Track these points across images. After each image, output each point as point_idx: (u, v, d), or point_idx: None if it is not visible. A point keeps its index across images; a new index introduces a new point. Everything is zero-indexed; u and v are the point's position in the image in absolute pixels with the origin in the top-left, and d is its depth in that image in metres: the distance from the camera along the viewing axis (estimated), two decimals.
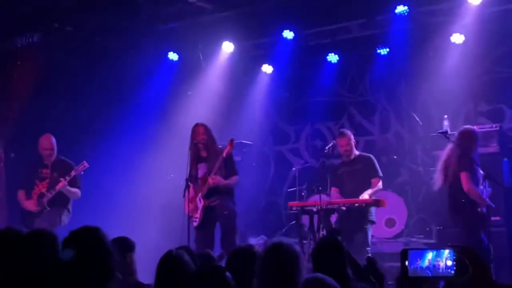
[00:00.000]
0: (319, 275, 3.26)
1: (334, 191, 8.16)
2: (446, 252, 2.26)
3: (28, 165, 8.38)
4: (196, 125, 7.88)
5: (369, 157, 8.12)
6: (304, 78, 11.59)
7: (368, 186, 7.85)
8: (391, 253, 8.66)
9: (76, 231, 3.21)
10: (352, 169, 7.99)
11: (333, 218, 8.04)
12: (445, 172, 7.25)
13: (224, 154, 7.55)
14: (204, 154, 7.82)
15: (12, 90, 9.16)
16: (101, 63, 9.92)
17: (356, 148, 8.30)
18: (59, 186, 7.90)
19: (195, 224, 7.67)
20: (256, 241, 10.12)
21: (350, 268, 4.19)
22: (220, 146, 7.89)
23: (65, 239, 3.20)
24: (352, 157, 8.05)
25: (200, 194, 7.70)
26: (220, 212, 7.66)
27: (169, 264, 3.97)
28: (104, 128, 9.89)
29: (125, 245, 4.89)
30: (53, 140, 8.20)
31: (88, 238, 3.14)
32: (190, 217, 7.61)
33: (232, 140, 7.69)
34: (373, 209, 7.76)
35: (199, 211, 7.67)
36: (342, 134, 8.12)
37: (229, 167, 7.76)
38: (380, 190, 8.04)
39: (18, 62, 9.32)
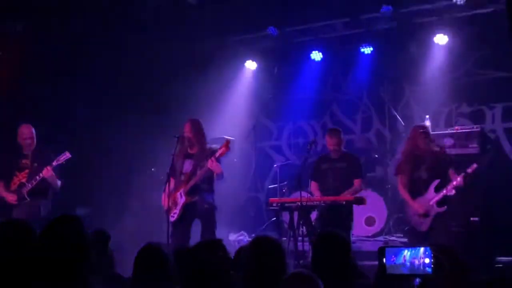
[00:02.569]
0: (302, 270, 3.27)
1: (314, 185, 8.15)
2: (422, 250, 2.28)
3: (7, 155, 8.29)
4: (186, 121, 7.87)
5: (356, 157, 8.14)
6: (287, 75, 11.59)
7: (350, 185, 7.87)
8: (370, 251, 8.69)
9: (56, 219, 3.20)
10: (336, 167, 8.00)
11: (313, 215, 8.05)
12: None
13: (217, 155, 7.49)
14: (192, 150, 7.78)
15: None
16: (84, 54, 9.85)
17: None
18: (44, 173, 7.82)
19: (172, 219, 7.61)
20: (237, 237, 10.12)
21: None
22: (214, 145, 7.84)
23: (45, 226, 3.19)
24: (338, 154, 8.05)
25: (182, 190, 7.65)
26: (200, 207, 7.62)
27: (147, 256, 3.97)
28: (85, 120, 9.83)
29: (105, 237, 4.90)
30: (33, 129, 8.11)
31: (67, 226, 3.13)
32: (168, 211, 7.56)
33: (228, 142, 7.62)
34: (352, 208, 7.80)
35: (178, 207, 7.61)
36: (333, 133, 8.12)
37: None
38: (360, 190, 8.07)
39: (1, 51, 9.21)
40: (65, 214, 3.28)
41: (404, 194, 7.57)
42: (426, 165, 7.37)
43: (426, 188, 7.33)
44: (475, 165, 7.15)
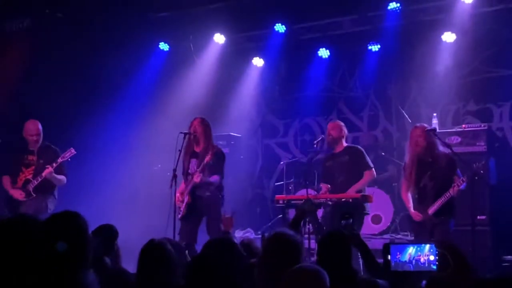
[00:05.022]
0: (308, 264, 3.26)
1: (323, 186, 8.01)
2: (427, 247, 2.27)
3: (14, 151, 8.29)
4: (194, 118, 7.85)
5: (358, 148, 8.00)
6: (294, 72, 11.58)
7: (359, 177, 7.78)
8: (377, 249, 8.65)
9: (56, 214, 3.20)
10: (340, 161, 7.87)
11: (320, 212, 8.01)
12: None
13: (205, 161, 7.49)
14: (197, 148, 7.76)
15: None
16: (91, 50, 9.87)
17: (346, 142, 8.25)
18: (45, 173, 7.82)
19: (179, 216, 7.62)
20: (243, 234, 10.12)
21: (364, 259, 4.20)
22: (216, 144, 7.81)
23: (45, 222, 3.18)
24: (340, 149, 7.97)
25: (186, 190, 7.64)
26: (205, 201, 7.60)
27: (151, 252, 3.97)
28: (92, 116, 9.85)
29: (113, 232, 4.92)
30: (39, 125, 8.11)
31: (67, 223, 3.13)
32: (175, 208, 7.56)
33: (213, 150, 7.57)
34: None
35: (183, 206, 7.62)
36: (334, 120, 8.11)
37: (216, 167, 7.70)
38: (370, 180, 7.99)
39: (7, 47, 9.23)
40: (65, 210, 3.28)
41: (404, 199, 7.42)
42: (430, 172, 7.14)
43: (431, 197, 7.11)
44: (464, 179, 7.02)
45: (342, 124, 8.10)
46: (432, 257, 2.32)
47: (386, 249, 2.29)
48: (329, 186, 7.86)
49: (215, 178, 7.64)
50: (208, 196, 7.60)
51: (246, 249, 4.52)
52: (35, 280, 3.00)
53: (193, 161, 7.73)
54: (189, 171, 7.73)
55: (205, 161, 7.46)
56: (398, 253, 2.35)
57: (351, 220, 4.59)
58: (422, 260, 2.32)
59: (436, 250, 2.32)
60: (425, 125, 7.54)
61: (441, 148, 7.31)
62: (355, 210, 7.38)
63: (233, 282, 3.68)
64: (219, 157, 7.69)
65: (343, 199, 7.57)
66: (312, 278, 2.94)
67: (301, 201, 7.67)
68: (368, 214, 7.84)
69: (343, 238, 4.13)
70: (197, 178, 7.48)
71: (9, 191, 8.01)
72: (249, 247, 4.60)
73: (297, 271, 3.04)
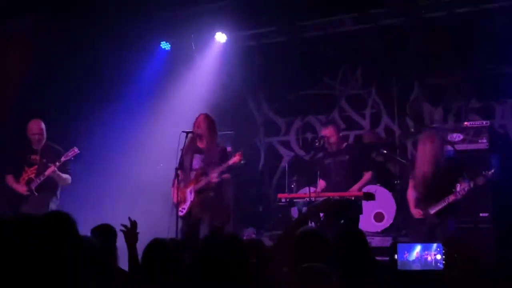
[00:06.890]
0: (314, 264, 3.25)
1: (321, 183, 8.07)
2: (434, 246, 2.25)
3: (17, 150, 8.31)
4: (199, 115, 7.83)
5: (360, 149, 8.04)
6: (296, 70, 11.56)
7: (357, 177, 7.76)
8: (379, 247, 8.66)
9: (46, 215, 3.19)
10: (339, 159, 7.87)
11: None
12: None
13: (231, 162, 7.48)
14: (201, 145, 7.74)
15: (1, 74, 9.07)
16: (93, 49, 9.85)
17: (346, 141, 8.24)
18: (48, 172, 7.84)
19: (181, 213, 7.60)
20: (245, 232, 10.11)
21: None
22: (222, 142, 7.81)
23: (33, 224, 3.17)
24: (340, 147, 7.93)
25: (191, 188, 7.60)
26: (209, 201, 7.59)
27: (154, 250, 3.97)
28: (94, 115, 9.84)
29: (111, 232, 4.92)
30: (42, 125, 8.14)
31: (56, 224, 3.12)
32: (177, 206, 7.55)
33: (241, 153, 7.57)
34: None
35: (187, 203, 7.58)
36: (326, 125, 8.13)
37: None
38: (368, 183, 7.98)
39: (9, 46, 9.22)
40: (56, 211, 3.27)
41: (408, 197, 7.45)
42: (435, 173, 7.14)
43: (434, 198, 7.14)
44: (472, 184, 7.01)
45: (335, 126, 8.08)
46: (439, 256, 2.31)
47: (393, 248, 2.28)
48: (325, 181, 7.88)
49: (227, 176, 7.65)
50: (212, 196, 7.59)
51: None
52: (29, 280, 2.99)
53: (197, 157, 7.72)
54: (192, 167, 7.72)
55: (230, 162, 7.47)
56: (406, 252, 2.33)
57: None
58: (429, 259, 2.31)
59: (443, 249, 2.30)
60: (433, 131, 7.56)
61: (447, 148, 7.32)
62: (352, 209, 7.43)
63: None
64: (225, 155, 7.70)
65: (345, 198, 7.56)
66: (321, 277, 2.93)
67: (308, 201, 7.63)
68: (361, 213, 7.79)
69: (361, 236, 4.12)
70: (215, 179, 7.46)
71: (12, 186, 8.03)
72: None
73: (308, 270, 3.03)
